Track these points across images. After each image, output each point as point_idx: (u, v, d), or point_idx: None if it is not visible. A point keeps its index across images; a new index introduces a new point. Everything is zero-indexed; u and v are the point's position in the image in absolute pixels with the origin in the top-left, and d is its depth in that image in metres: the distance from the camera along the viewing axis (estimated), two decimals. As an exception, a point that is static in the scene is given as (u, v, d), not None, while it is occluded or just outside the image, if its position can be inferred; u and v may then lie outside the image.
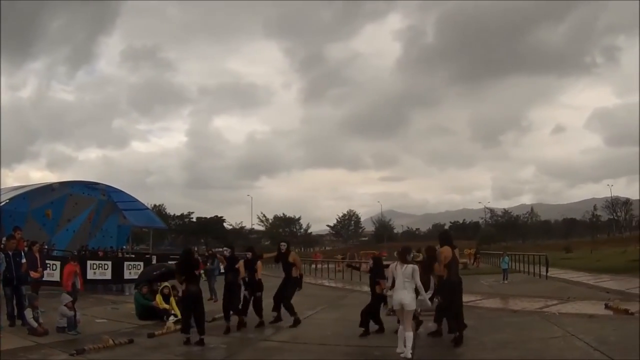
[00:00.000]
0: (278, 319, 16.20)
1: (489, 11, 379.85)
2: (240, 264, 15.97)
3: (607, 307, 16.92)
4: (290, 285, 16.50)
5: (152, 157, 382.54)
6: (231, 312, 15.35)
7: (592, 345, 11.58)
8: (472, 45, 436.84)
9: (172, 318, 16.00)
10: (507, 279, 30.42)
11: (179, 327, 14.62)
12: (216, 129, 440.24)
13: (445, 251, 12.57)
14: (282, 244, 17.09)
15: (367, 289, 19.46)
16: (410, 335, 11.20)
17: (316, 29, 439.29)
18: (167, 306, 16.66)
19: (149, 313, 16.93)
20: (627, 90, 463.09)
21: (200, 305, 13.71)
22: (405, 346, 11.11)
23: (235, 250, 16.46)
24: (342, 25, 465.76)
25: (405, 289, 11.42)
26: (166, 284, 17.51)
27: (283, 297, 16.24)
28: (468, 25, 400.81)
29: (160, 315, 16.48)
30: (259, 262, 16.63)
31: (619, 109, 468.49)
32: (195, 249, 33.84)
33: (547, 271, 31.13)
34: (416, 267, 11.77)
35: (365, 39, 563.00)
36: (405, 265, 11.61)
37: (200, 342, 12.84)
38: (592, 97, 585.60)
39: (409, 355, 11.07)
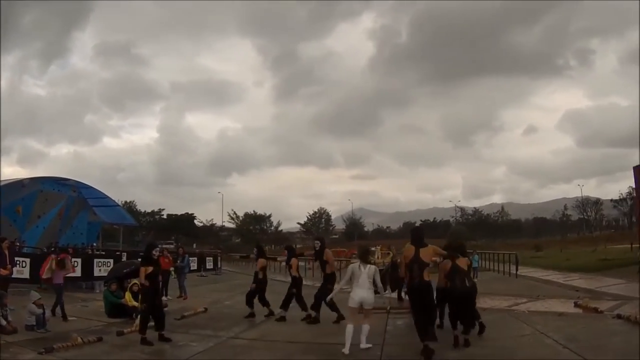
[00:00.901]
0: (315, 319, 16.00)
1: (463, 12, 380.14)
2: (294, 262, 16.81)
3: (576, 305, 17.04)
4: (323, 283, 16.54)
5: (124, 153, 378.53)
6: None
7: (561, 343, 11.65)
8: (445, 46, 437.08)
9: (141, 316, 15.97)
10: (477, 277, 30.51)
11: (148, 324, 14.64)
12: (188, 125, 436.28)
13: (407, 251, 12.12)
14: (316, 242, 17.18)
15: (336, 286, 19.53)
16: (367, 327, 11.88)
17: (290, 27, 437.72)
18: (136, 304, 16.40)
19: (118, 311, 16.77)
20: (599, 92, 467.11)
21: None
22: (360, 338, 11.75)
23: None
24: (317, 23, 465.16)
25: (367, 288, 11.84)
26: (135, 281, 17.39)
27: (319, 295, 16.24)
28: (442, 26, 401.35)
29: (129, 313, 16.30)
30: (293, 259, 17.23)
31: (591, 110, 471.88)
32: (164, 245, 33.55)
33: (517, 269, 31.39)
34: (376, 267, 12.55)
35: (339, 37, 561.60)
36: (368, 266, 12.15)
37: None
38: (564, 99, 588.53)
39: (366, 346, 11.76)
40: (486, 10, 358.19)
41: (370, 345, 11.86)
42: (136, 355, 11.70)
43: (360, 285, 11.85)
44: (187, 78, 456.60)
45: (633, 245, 36.58)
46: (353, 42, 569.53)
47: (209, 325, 15.30)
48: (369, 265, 12.19)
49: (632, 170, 36.66)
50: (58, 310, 16.26)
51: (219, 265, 49.12)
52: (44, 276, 17.51)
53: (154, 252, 13.70)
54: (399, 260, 16.63)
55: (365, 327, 11.87)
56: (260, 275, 17.50)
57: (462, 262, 12.64)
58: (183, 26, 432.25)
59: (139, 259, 16.38)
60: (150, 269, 13.19)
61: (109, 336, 13.52)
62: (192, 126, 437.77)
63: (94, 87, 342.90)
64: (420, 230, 12.47)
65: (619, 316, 13.77)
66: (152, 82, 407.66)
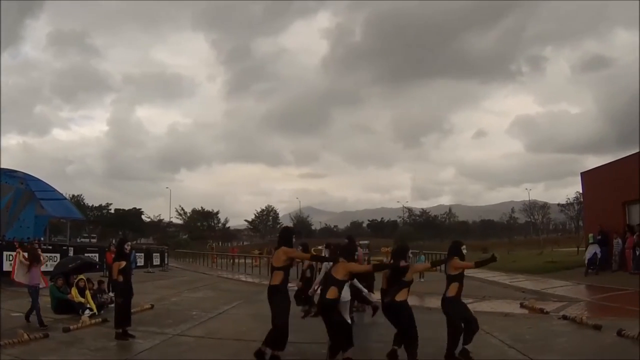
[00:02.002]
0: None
1: (418, 13, 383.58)
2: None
3: (522, 306, 17.25)
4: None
5: (73, 145, 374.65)
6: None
7: (507, 342, 11.86)
8: (399, 47, 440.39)
9: (87, 312, 15.80)
10: (423, 277, 30.69)
11: (94, 321, 14.49)
12: (138, 119, 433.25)
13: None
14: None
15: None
16: None
17: (245, 22, 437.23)
18: (82, 299, 16.34)
19: (64, 306, 16.55)
20: (549, 99, 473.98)
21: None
22: None
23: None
24: (272, 20, 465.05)
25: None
26: (82, 276, 17.22)
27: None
28: (396, 27, 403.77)
29: (76, 309, 16.13)
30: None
31: (541, 116, 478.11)
32: (113, 241, 33.24)
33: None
34: None
35: (294, 35, 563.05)
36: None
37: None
38: (515, 104, 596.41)
39: None
40: (441, 13, 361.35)
41: None
42: (83, 352, 11.56)
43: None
44: (140, 71, 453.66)
45: (579, 249, 37.03)
46: (307, 40, 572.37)
47: (155, 323, 15.22)
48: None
49: (579, 176, 37.19)
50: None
51: (166, 262, 48.78)
52: (17, 279, 15.88)
53: (125, 247, 13.63)
54: None
55: None
56: (308, 274, 17.25)
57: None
58: (138, 18, 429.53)
59: (86, 254, 16.19)
60: (123, 263, 13.16)
61: (56, 332, 13.38)
62: (142, 120, 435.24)
63: (46, 77, 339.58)
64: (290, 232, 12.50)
65: (564, 317, 13.97)
66: (104, 73, 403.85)
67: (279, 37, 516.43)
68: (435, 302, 19.30)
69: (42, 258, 15.96)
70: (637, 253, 24.96)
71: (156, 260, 46.48)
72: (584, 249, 30.33)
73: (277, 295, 11.06)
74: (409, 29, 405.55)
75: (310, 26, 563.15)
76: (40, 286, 15.33)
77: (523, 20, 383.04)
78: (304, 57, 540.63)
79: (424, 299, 20.80)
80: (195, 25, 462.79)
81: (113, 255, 16.16)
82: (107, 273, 21.44)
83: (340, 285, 10.85)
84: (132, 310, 14.14)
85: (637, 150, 29.88)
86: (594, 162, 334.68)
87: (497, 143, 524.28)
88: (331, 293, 10.71)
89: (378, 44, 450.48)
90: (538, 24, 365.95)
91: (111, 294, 16.71)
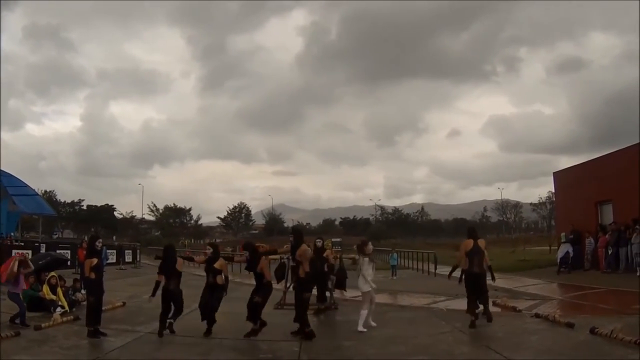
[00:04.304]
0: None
1: (394, 13, 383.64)
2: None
3: (495, 304, 17.27)
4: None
5: (46, 141, 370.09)
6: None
7: (480, 340, 11.83)
8: (374, 46, 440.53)
9: (59, 310, 15.62)
10: (395, 275, 30.77)
11: (66, 319, 14.37)
12: (112, 114, 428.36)
13: (467, 243, 14.11)
14: (318, 240, 17.36)
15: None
16: (363, 312, 13.57)
17: (221, 18, 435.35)
18: (54, 297, 16.18)
19: (35, 304, 16.32)
20: (523, 100, 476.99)
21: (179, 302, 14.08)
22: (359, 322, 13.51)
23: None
24: (247, 17, 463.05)
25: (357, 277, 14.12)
26: (53, 273, 17.07)
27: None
28: (372, 26, 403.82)
29: (47, 307, 15.96)
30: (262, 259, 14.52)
31: (515, 117, 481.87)
32: (85, 238, 33.00)
33: (435, 268, 31.65)
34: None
35: (269, 32, 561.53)
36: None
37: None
38: (489, 105, 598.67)
39: (361, 329, 13.34)
40: (417, 13, 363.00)
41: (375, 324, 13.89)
42: (54, 351, 11.41)
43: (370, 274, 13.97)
44: (114, 66, 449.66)
45: (552, 248, 37.26)
46: (283, 38, 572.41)
47: (127, 320, 15.14)
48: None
49: (552, 176, 37.45)
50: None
51: (138, 259, 48.61)
52: (8, 286, 15.08)
53: (97, 244, 13.51)
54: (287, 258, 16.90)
55: (363, 313, 13.62)
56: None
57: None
58: (114, 13, 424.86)
59: (58, 251, 16.02)
60: (95, 261, 13.00)
61: (27, 330, 13.22)
62: (116, 116, 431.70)
63: (20, 71, 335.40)
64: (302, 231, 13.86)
65: (537, 315, 14.02)
66: (79, 68, 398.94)
67: (254, 34, 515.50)
68: (408, 300, 19.42)
69: (30, 265, 15.84)
70: (610, 252, 25.15)
71: (128, 257, 46.33)
72: (556, 247, 30.48)
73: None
74: (384, 28, 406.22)
75: (285, 24, 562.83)
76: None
77: (499, 22, 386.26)
78: (279, 54, 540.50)
79: (397, 296, 20.76)
80: (171, 21, 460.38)
81: (85, 252, 16.01)
82: (79, 270, 21.30)
83: None
84: (103, 308, 14.03)
85: (610, 151, 30.14)
86: (566, 162, 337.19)
87: (470, 143, 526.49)
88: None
89: (353, 43, 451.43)
90: (514, 25, 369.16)
91: (83, 292, 16.60)
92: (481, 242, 14.09)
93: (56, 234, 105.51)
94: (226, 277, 14.38)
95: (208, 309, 13.73)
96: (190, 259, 16.25)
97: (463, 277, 14.36)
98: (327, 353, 11.37)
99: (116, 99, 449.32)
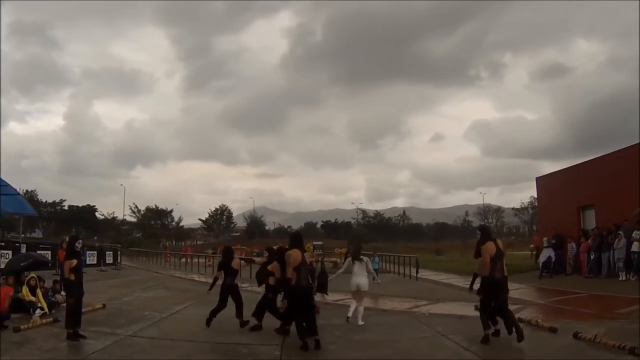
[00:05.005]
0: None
1: (380, 16, 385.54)
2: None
3: (476, 308, 17.26)
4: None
5: (28, 139, 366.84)
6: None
7: (463, 345, 11.83)
8: (358, 48, 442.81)
9: (38, 311, 15.49)
10: (377, 279, 30.76)
11: (45, 321, 14.25)
12: (95, 114, 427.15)
13: (489, 246, 12.44)
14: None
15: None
16: (362, 309, 15.15)
17: (206, 19, 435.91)
18: (33, 298, 16.04)
19: (15, 306, 16.06)
20: (506, 105, 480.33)
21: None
22: (356, 316, 14.96)
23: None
24: (233, 18, 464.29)
25: (361, 275, 15.40)
26: (33, 274, 16.94)
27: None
28: (357, 28, 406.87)
29: (27, 308, 15.79)
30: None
31: (498, 122, 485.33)
32: (66, 238, 32.72)
33: (417, 272, 31.65)
34: (368, 259, 16.16)
35: (255, 33, 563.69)
36: (365, 259, 15.98)
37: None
38: (473, 109, 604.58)
39: (361, 322, 14.77)
40: (402, 17, 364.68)
41: (363, 323, 14.85)
42: (33, 353, 11.31)
43: (357, 274, 15.40)
44: (98, 65, 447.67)
45: (533, 252, 37.39)
46: (268, 39, 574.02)
47: (107, 323, 14.89)
48: (365, 259, 15.98)
49: (534, 181, 37.59)
50: None
51: (119, 260, 48.39)
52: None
53: (76, 245, 13.36)
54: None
55: (361, 309, 15.12)
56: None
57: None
58: (99, 11, 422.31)
59: (38, 251, 15.93)
60: (74, 262, 12.86)
61: (6, 332, 13.11)
62: (99, 115, 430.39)
63: (4, 69, 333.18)
64: (301, 235, 13.47)
65: (519, 320, 13.97)
66: (63, 66, 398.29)
67: (239, 35, 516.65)
68: (390, 304, 19.39)
69: None
70: (592, 257, 25.23)
71: (109, 259, 46.07)
72: (536, 252, 30.59)
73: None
74: (369, 32, 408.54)
75: (271, 25, 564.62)
76: None
77: (484, 27, 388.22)
78: (263, 55, 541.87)
79: (378, 300, 20.70)
80: (157, 20, 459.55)
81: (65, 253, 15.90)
82: (59, 271, 21.17)
83: None
84: (83, 310, 13.91)
85: (593, 157, 30.27)
86: (549, 167, 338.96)
87: (453, 147, 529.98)
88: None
89: (338, 45, 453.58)
90: (499, 31, 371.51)
91: (63, 293, 16.47)
92: (500, 244, 12.69)
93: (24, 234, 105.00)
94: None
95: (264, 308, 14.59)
96: (251, 261, 17.06)
97: (477, 285, 13.00)
98: (308, 356, 11.29)
99: (100, 98, 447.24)
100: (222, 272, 15.23)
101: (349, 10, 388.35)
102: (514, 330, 11.78)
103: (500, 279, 12.27)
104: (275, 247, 16.62)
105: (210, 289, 15.34)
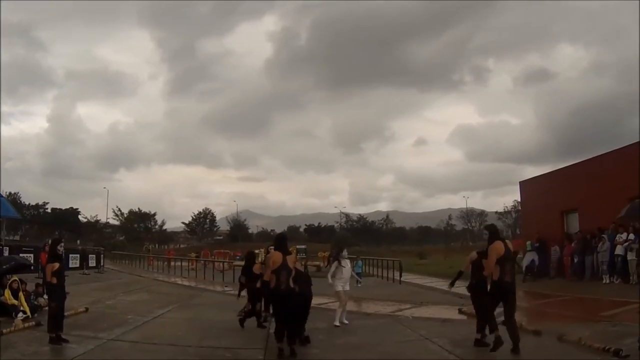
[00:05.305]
0: None
1: (365, 19, 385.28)
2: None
3: (461, 312, 17.29)
4: None
5: (12, 141, 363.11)
6: None
7: (447, 348, 11.88)
8: (343, 52, 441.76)
9: (20, 315, 15.39)
10: (360, 282, 30.76)
11: (27, 324, 14.17)
12: (79, 116, 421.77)
13: (497, 246, 11.58)
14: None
15: (219, 288, 19.14)
16: (345, 307, 15.89)
17: (191, 21, 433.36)
18: (15, 302, 15.94)
19: (-3, 309, 16.14)
20: (490, 110, 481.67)
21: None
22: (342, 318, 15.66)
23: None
24: (218, 20, 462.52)
25: (347, 277, 16.19)
26: (15, 277, 16.84)
27: None
28: (342, 31, 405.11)
29: (9, 312, 15.67)
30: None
31: (482, 126, 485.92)
32: (49, 241, 32.59)
33: (400, 276, 31.63)
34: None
35: (239, 36, 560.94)
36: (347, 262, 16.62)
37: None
38: (456, 114, 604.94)
39: (346, 322, 15.61)
40: (387, 20, 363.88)
41: (347, 322, 15.63)
42: (15, 357, 11.24)
43: (346, 277, 16.05)
44: (83, 67, 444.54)
45: (518, 256, 37.57)
46: (252, 43, 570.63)
47: (89, 326, 14.78)
48: (347, 262, 16.65)
49: (518, 185, 37.77)
50: None
51: (102, 263, 48.19)
52: None
53: (59, 248, 13.32)
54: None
55: (345, 308, 15.80)
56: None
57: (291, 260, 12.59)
58: (85, 12, 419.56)
59: (21, 254, 15.86)
60: (56, 265, 12.77)
61: (-13, 337, 12.96)
62: (83, 117, 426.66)
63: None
64: (285, 238, 13.26)
65: (503, 323, 13.99)
66: (47, 68, 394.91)
67: (224, 37, 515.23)
68: (373, 307, 19.40)
69: None
70: (575, 260, 25.34)
71: (92, 262, 45.87)
72: (521, 256, 30.69)
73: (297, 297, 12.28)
74: (353, 36, 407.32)
75: (255, 28, 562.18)
76: None
77: (468, 31, 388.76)
78: (248, 59, 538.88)
79: (362, 304, 20.69)
80: (142, 22, 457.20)
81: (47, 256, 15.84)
82: (42, 274, 21.11)
83: None
84: (66, 314, 13.84)
85: (576, 161, 30.46)
86: (532, 172, 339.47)
87: (437, 151, 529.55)
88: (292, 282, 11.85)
89: (322, 49, 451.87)
90: (483, 36, 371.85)
91: (46, 297, 16.40)
92: (509, 244, 11.91)
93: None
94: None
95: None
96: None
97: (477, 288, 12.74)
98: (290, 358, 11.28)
99: (84, 100, 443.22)
100: (245, 276, 15.65)
101: (334, 14, 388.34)
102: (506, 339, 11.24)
103: (510, 283, 11.55)
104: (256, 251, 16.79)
105: (238, 295, 15.96)
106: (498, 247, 11.43)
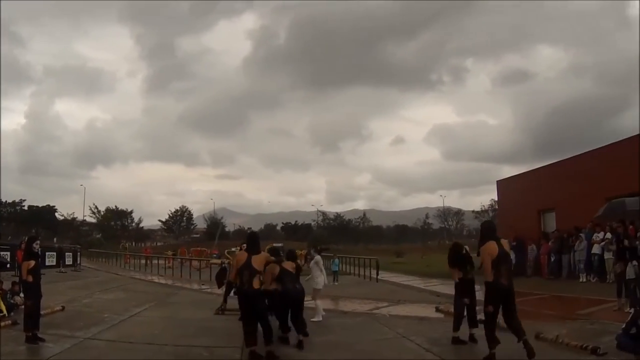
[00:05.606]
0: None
1: (343, 20, 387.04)
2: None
3: (437, 310, 17.34)
4: None
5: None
6: None
7: (424, 347, 11.90)
8: (321, 52, 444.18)
9: (-3, 314, 15.35)
10: (337, 280, 30.71)
11: (3, 324, 14.08)
12: (57, 112, 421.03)
13: (490, 247, 10.71)
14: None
15: (196, 286, 19.00)
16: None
17: (171, 19, 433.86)
18: (-7, 300, 15.90)
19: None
20: (468, 110, 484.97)
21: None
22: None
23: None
24: (197, 19, 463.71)
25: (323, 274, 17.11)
26: (-9, 275, 16.75)
27: None
28: (320, 31, 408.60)
29: (-14, 310, 15.61)
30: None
31: (459, 126, 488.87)
32: (25, 239, 32.42)
33: (377, 274, 31.65)
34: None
35: (218, 35, 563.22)
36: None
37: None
38: (434, 113, 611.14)
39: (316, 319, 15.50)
40: (366, 21, 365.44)
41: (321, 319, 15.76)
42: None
43: (321, 274, 17.01)
44: (61, 63, 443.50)
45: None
46: (231, 41, 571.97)
47: (66, 325, 14.66)
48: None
49: (495, 184, 37.98)
50: None
51: (79, 262, 47.94)
52: None
53: (34, 245, 13.22)
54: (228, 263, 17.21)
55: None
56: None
57: (288, 265, 13.05)
58: (65, 8, 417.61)
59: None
60: (32, 263, 12.70)
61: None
62: (61, 114, 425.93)
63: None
64: (254, 237, 12.55)
65: (480, 321, 14.00)
66: (25, 64, 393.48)
67: (203, 36, 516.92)
68: (350, 306, 19.41)
69: None
70: (552, 259, 25.48)
71: (69, 260, 45.62)
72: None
73: (262, 299, 11.64)
74: (332, 35, 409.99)
75: (234, 27, 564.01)
76: None
77: (447, 32, 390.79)
78: (226, 57, 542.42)
79: (339, 302, 20.72)
80: (121, 18, 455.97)
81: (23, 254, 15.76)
82: (18, 272, 20.99)
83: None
84: (42, 312, 13.76)
85: (553, 161, 30.65)
86: (509, 171, 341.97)
87: (414, 150, 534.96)
88: (256, 283, 11.11)
89: (300, 48, 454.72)
90: (461, 36, 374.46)
91: (22, 295, 16.31)
92: (505, 243, 11.01)
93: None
94: None
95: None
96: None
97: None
98: (268, 360, 11.25)
99: (62, 96, 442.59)
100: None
101: (313, 13, 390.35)
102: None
103: (507, 286, 10.56)
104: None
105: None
106: (491, 248, 10.63)
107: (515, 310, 10.63)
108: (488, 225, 11.69)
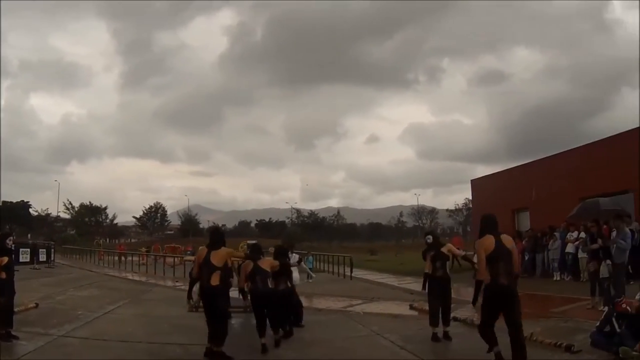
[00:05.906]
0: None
1: (320, 18, 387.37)
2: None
3: (412, 307, 17.40)
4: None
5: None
6: None
7: (398, 344, 11.94)
8: (297, 50, 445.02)
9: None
10: (310, 278, 30.74)
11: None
12: (31, 107, 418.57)
13: (486, 241, 9.43)
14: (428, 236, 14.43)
15: (170, 283, 18.90)
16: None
17: (148, 13, 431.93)
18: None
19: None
20: (443, 109, 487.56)
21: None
22: None
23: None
24: (175, 13, 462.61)
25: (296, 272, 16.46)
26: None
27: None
28: (296, 30, 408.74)
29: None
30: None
31: (434, 126, 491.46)
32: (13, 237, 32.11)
33: (351, 271, 31.73)
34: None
35: (195, 31, 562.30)
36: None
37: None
38: (409, 112, 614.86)
39: None
40: (342, 20, 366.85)
41: None
42: (-39, 355, 11.04)
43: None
44: (37, 57, 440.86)
45: (467, 253, 37.89)
46: (208, 38, 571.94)
47: (39, 323, 14.59)
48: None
49: (469, 183, 38.25)
50: None
51: (53, 258, 47.65)
52: None
53: (8, 242, 13.07)
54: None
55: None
56: None
57: (265, 264, 12.59)
58: (40, 2, 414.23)
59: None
60: (5, 259, 12.53)
61: None
62: (35, 108, 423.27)
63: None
64: (215, 231, 12.50)
65: (454, 318, 14.04)
66: (2, 58, 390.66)
67: (180, 31, 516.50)
68: (324, 303, 19.45)
69: None
70: (526, 258, 25.65)
71: (42, 257, 45.33)
72: (472, 253, 30.96)
73: (221, 296, 11.26)
74: (308, 33, 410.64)
75: (211, 23, 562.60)
76: None
77: (423, 32, 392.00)
78: (202, 53, 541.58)
79: (312, 299, 20.72)
80: (98, 12, 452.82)
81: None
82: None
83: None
84: (15, 310, 13.67)
85: (527, 161, 30.89)
86: (483, 171, 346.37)
87: (388, 149, 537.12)
88: (215, 279, 10.93)
89: (277, 46, 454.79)
90: (438, 36, 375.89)
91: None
92: (506, 239, 9.54)
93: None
94: None
95: None
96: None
97: (477, 294, 9.95)
98: (245, 355, 11.24)
99: (37, 91, 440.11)
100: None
101: (290, 11, 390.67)
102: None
103: (507, 286, 9.09)
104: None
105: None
106: (486, 243, 9.37)
107: (519, 324, 9.14)
108: (487, 219, 9.90)
